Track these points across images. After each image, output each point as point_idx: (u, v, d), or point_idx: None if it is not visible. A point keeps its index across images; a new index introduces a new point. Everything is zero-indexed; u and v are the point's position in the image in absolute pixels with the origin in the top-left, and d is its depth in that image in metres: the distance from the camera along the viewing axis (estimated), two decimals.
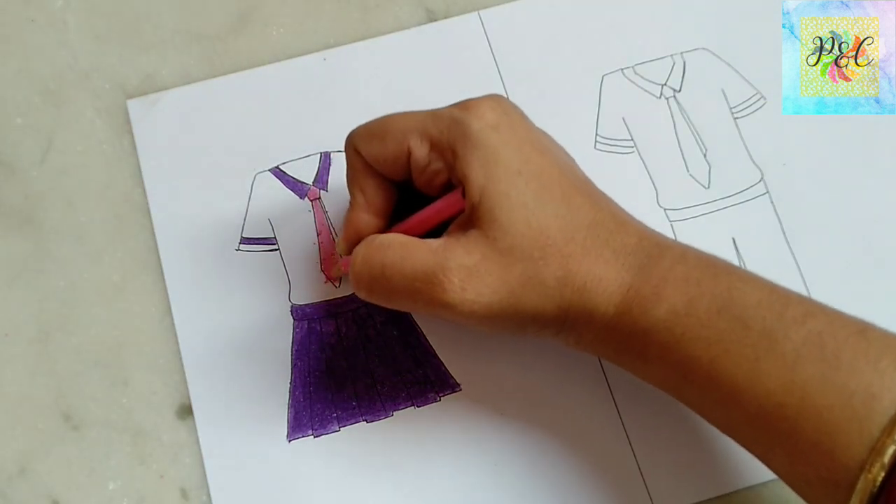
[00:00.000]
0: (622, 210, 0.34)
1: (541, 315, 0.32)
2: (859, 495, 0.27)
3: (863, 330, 0.29)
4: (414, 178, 0.34)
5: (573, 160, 0.35)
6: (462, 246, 0.32)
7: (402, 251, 0.32)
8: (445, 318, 0.33)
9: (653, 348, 0.31)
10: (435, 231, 0.34)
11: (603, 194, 0.34)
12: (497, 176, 0.32)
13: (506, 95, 0.42)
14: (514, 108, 0.34)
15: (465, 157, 0.32)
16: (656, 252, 0.32)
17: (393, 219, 0.36)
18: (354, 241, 0.35)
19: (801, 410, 0.28)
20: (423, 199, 0.35)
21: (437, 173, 0.33)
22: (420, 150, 0.33)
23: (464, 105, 0.33)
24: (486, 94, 0.34)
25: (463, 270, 0.31)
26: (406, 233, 0.34)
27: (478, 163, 0.32)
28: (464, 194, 0.32)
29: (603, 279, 0.32)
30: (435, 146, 0.33)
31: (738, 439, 0.32)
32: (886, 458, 0.27)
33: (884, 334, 0.29)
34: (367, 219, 0.35)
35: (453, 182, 0.33)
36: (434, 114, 0.33)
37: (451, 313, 0.32)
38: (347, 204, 0.41)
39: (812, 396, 0.28)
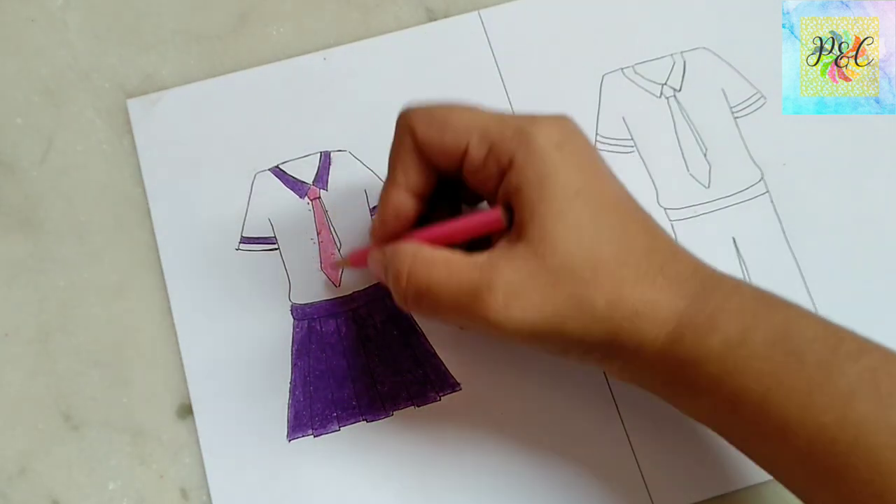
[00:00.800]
0: (675, 241, 0.33)
1: (587, 339, 0.31)
2: None
3: None
4: (465, 174, 0.33)
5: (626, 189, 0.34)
6: (509, 262, 0.31)
7: (448, 268, 0.32)
8: (491, 336, 0.32)
9: (703, 380, 0.30)
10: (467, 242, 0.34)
11: (656, 223, 0.33)
12: (553, 194, 0.31)
13: (506, 95, 0.42)
14: (579, 129, 0.33)
15: (523, 170, 0.31)
16: (711, 283, 0.31)
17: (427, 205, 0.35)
18: (390, 220, 0.34)
19: (853, 448, 0.28)
20: (457, 193, 0.34)
21: (490, 178, 0.32)
22: (478, 151, 0.32)
23: (531, 118, 0.32)
24: (555, 114, 0.33)
25: (508, 287, 0.31)
26: (438, 238, 0.33)
27: (535, 178, 0.31)
28: (508, 211, 0.32)
29: (656, 305, 0.31)
30: (494, 150, 0.32)
31: (783, 477, 0.31)
32: None
33: None
34: (405, 199, 0.34)
35: (502, 190, 0.32)
36: (501, 118, 0.33)
37: (496, 330, 0.31)
38: (347, 204, 0.41)
39: (866, 434, 0.28)
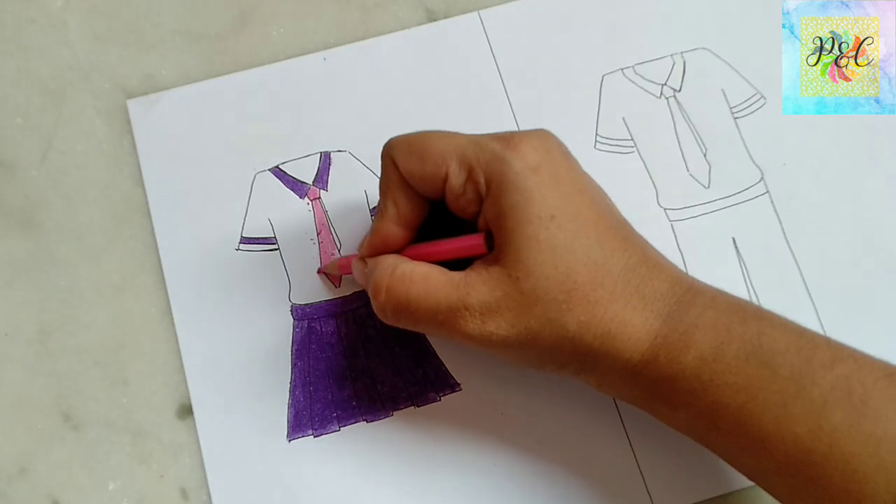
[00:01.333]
0: (656, 253, 0.34)
1: (558, 356, 0.32)
2: None
3: (891, 374, 0.29)
4: (447, 200, 0.34)
5: (610, 200, 0.35)
6: (484, 282, 0.32)
7: (425, 285, 0.33)
8: (466, 346, 0.33)
9: (680, 395, 0.31)
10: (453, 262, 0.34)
11: (638, 236, 0.34)
12: (528, 219, 0.31)
13: (505, 95, 0.42)
14: (559, 145, 0.33)
15: (499, 197, 0.32)
16: (687, 298, 0.32)
17: (420, 231, 0.36)
18: (379, 249, 0.35)
19: (828, 457, 0.28)
20: (450, 217, 0.35)
21: (470, 203, 0.33)
22: (457, 178, 0.33)
23: (508, 140, 0.32)
24: (533, 129, 0.33)
25: (483, 307, 0.32)
26: (421, 257, 0.34)
27: (510, 205, 0.31)
28: (488, 238, 0.33)
29: (629, 325, 0.31)
30: (472, 177, 0.32)
31: (765, 486, 0.32)
32: None
33: None
34: (395, 230, 0.35)
35: (482, 215, 0.33)
36: (477, 143, 0.33)
37: (472, 343, 0.32)
38: (347, 204, 0.41)
39: (840, 443, 0.28)
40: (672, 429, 0.33)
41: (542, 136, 0.33)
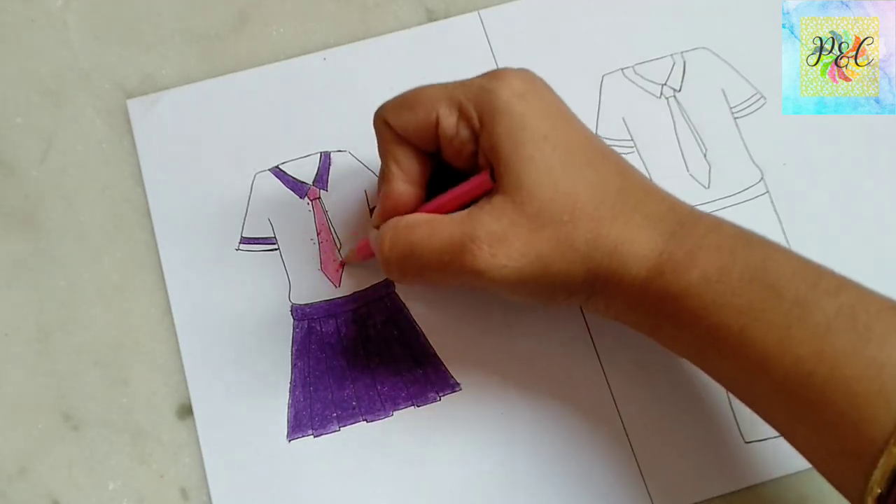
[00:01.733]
0: (649, 179, 0.34)
1: (571, 280, 0.32)
2: (882, 469, 0.27)
3: (894, 307, 0.29)
4: (443, 149, 0.34)
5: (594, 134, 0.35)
6: (488, 213, 0.32)
7: (429, 228, 0.33)
8: (478, 287, 0.33)
9: (683, 314, 0.31)
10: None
11: (628, 163, 0.34)
12: (523, 141, 0.32)
13: None
14: (541, 79, 0.34)
15: (492, 126, 0.32)
16: (689, 220, 0.32)
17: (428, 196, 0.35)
18: (391, 213, 0.35)
19: (829, 380, 0.28)
20: (456, 173, 0.35)
21: (465, 143, 0.33)
22: (448, 119, 0.33)
23: (492, 74, 0.33)
24: (516, 67, 0.34)
25: (492, 237, 0.31)
26: (433, 212, 0.34)
27: (504, 130, 0.32)
28: (492, 173, 0.32)
29: (634, 242, 0.31)
30: (463, 115, 0.33)
31: (762, 411, 0.32)
32: None
33: None
34: (405, 188, 0.34)
35: (480, 152, 0.33)
36: (463, 83, 0.33)
37: (483, 280, 0.32)
38: (347, 204, 0.41)
39: (841, 367, 0.28)
40: (677, 355, 0.34)
41: (524, 70, 0.34)
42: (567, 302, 0.34)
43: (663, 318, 0.32)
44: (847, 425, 0.28)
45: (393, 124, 0.34)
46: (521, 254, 0.31)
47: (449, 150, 0.34)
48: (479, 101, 0.33)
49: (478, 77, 0.34)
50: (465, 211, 0.32)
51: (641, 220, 0.32)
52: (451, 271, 0.32)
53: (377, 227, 0.35)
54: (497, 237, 0.31)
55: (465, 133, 0.33)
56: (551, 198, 0.31)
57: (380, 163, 0.36)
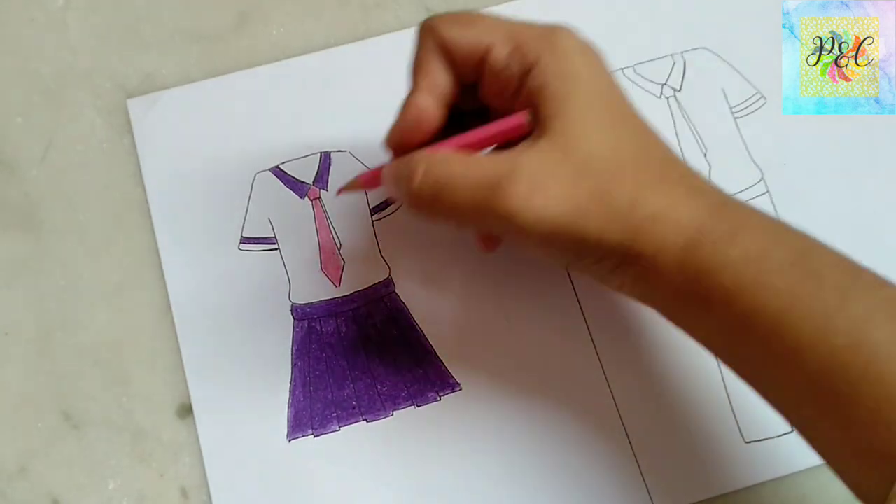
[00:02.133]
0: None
1: (604, 239, 0.30)
2: None
3: None
4: (484, 82, 0.33)
5: None
6: (532, 154, 0.30)
7: (465, 163, 0.31)
8: (507, 234, 0.32)
9: (718, 292, 0.29)
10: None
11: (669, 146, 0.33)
12: (578, 91, 0.31)
13: None
14: (595, 46, 0.33)
15: (549, 66, 0.31)
16: (732, 201, 0.31)
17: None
18: (411, 125, 0.32)
19: (865, 374, 0.27)
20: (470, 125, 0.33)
21: (512, 78, 0.32)
22: (501, 50, 0.32)
23: (553, 26, 0.32)
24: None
25: (531, 178, 0.30)
26: (459, 147, 0.32)
27: (561, 76, 0.31)
28: (532, 115, 0.31)
29: (676, 210, 0.30)
30: (518, 50, 0.31)
31: (789, 404, 0.30)
32: None
33: None
34: (429, 103, 0.32)
35: (525, 92, 0.31)
36: (524, 23, 0.32)
37: (514, 223, 0.30)
38: (347, 204, 0.41)
39: (878, 362, 0.27)
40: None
41: (582, 35, 0.33)
42: (594, 267, 0.32)
43: (694, 296, 0.30)
44: (878, 424, 0.27)
45: (443, 34, 0.32)
46: (558, 200, 0.30)
47: (492, 83, 0.32)
48: (540, 40, 0.31)
49: (537, 24, 0.32)
50: (506, 151, 0.31)
51: (686, 190, 0.31)
52: (484, 211, 0.30)
53: (394, 144, 0.33)
54: (537, 179, 0.30)
55: (515, 67, 0.31)
56: (599, 151, 0.30)
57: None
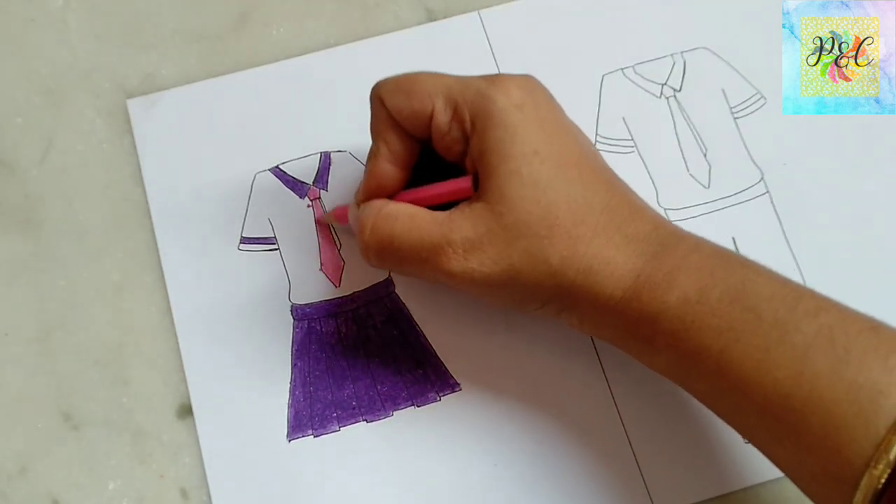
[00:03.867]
0: (638, 197, 0.34)
1: (540, 292, 0.32)
2: (863, 492, 0.27)
3: (874, 327, 0.29)
4: (434, 140, 0.34)
5: (592, 145, 0.35)
6: (467, 219, 0.32)
7: (410, 223, 0.33)
8: (450, 286, 0.33)
9: (661, 336, 0.31)
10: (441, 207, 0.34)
11: (620, 181, 0.34)
12: (512, 154, 0.32)
13: None
14: (542, 88, 0.34)
15: (484, 134, 0.32)
16: (671, 241, 0.32)
17: (413, 177, 0.36)
18: (374, 190, 0.35)
19: (808, 403, 0.28)
20: (443, 162, 0.35)
21: (455, 142, 0.33)
22: (443, 116, 0.33)
23: (492, 80, 0.33)
24: (516, 73, 0.34)
25: (467, 243, 0.32)
26: (413, 203, 0.34)
27: (494, 140, 0.32)
28: (475, 180, 0.33)
29: (611, 262, 0.31)
30: (457, 115, 0.33)
31: (744, 432, 0.32)
32: (892, 456, 0.26)
33: (895, 332, 0.29)
34: (389, 169, 0.35)
35: (468, 155, 0.33)
36: (462, 81, 0.33)
37: (454, 281, 0.33)
38: (347, 204, 0.41)
39: (820, 390, 0.28)
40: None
41: (527, 77, 0.34)
42: (539, 312, 0.34)
43: (640, 338, 0.32)
44: (827, 448, 0.28)
45: (388, 105, 0.34)
46: (493, 261, 0.32)
47: (440, 143, 0.34)
48: (475, 105, 0.32)
49: (478, 78, 0.33)
50: (447, 213, 0.33)
51: (622, 239, 0.32)
52: (426, 268, 0.33)
53: (358, 204, 0.36)
54: (472, 243, 0.32)
55: (456, 133, 0.33)
56: (531, 211, 0.31)
57: None
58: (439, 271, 0.33)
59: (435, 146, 0.35)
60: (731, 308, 0.30)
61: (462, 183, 0.33)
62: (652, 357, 0.33)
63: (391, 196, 0.35)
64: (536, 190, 0.31)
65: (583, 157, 0.33)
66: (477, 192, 0.33)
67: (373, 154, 0.35)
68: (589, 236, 0.32)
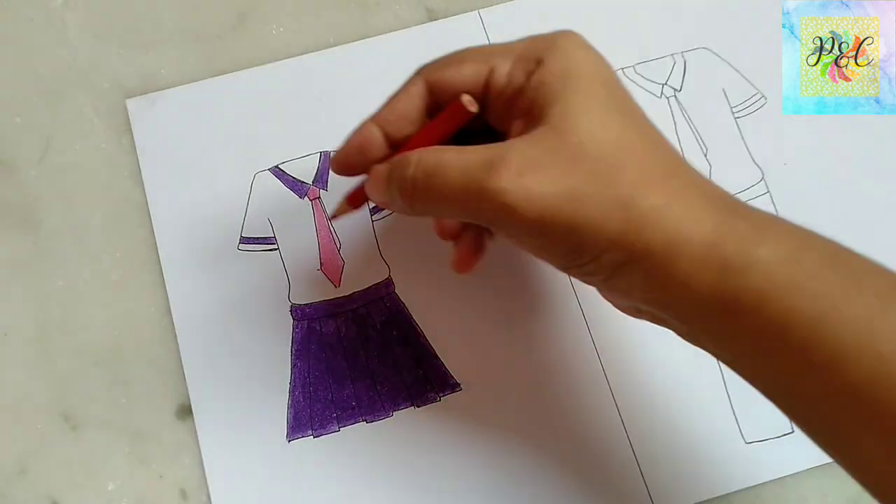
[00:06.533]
0: None
1: (604, 229, 0.27)
2: None
3: None
4: (489, 106, 0.31)
5: None
6: (527, 139, 0.28)
7: (458, 150, 0.29)
8: (500, 223, 0.29)
9: (747, 294, 0.26)
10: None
11: None
12: (579, 83, 0.28)
13: None
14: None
15: (550, 64, 0.29)
16: (749, 206, 0.28)
17: None
18: (354, 151, 0.32)
19: None
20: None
21: (518, 92, 0.30)
22: (503, 66, 0.30)
23: (553, 32, 0.31)
24: None
25: (524, 159, 0.27)
26: (416, 144, 0.32)
27: (560, 69, 0.29)
28: (469, 101, 0.30)
29: (689, 204, 0.27)
30: (520, 59, 0.30)
31: (821, 420, 0.27)
32: None
33: None
34: (377, 134, 0.32)
35: (528, 93, 0.30)
36: (518, 40, 0.31)
37: (505, 204, 0.27)
38: None
39: None
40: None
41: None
42: (592, 266, 0.28)
43: (718, 300, 0.27)
44: None
45: (433, 79, 0.31)
46: (552, 180, 0.27)
47: (497, 104, 0.31)
48: (538, 45, 0.30)
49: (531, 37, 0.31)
50: (499, 143, 0.29)
51: (696, 191, 0.28)
52: (475, 194, 0.28)
53: (337, 168, 0.33)
54: (530, 160, 0.27)
55: (519, 77, 0.30)
56: (599, 136, 0.27)
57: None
58: (490, 194, 0.27)
59: (489, 113, 0.31)
60: (829, 273, 0.26)
61: (456, 105, 0.30)
62: (728, 328, 0.27)
63: (367, 165, 0.32)
64: (604, 121, 0.28)
65: (642, 112, 0.30)
66: (533, 119, 0.29)
67: (367, 120, 0.33)
68: (662, 175, 0.28)
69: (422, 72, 0.32)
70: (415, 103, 0.32)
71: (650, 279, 0.28)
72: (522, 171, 0.27)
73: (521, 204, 0.27)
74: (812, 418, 0.28)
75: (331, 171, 0.41)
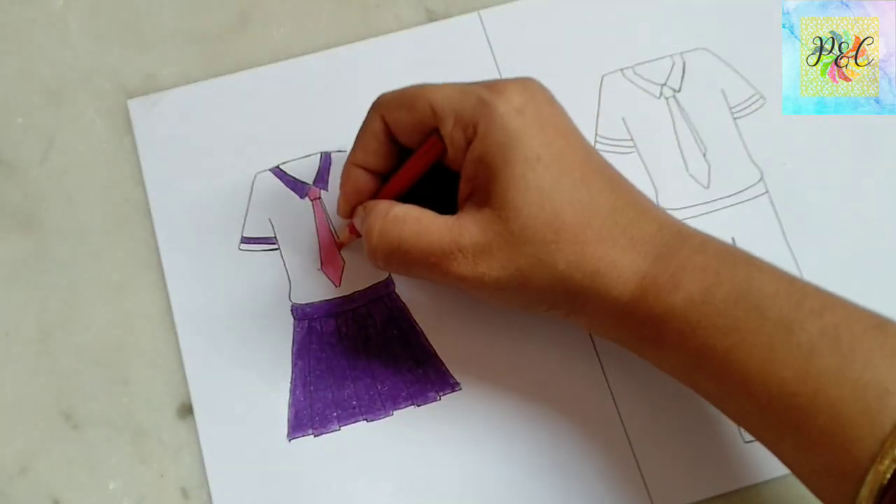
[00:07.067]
0: (643, 197, 0.34)
1: (549, 295, 0.33)
2: (868, 487, 0.27)
3: (880, 324, 0.29)
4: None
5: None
6: (476, 223, 0.33)
7: (418, 226, 0.33)
8: (459, 289, 0.34)
9: (668, 336, 0.31)
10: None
11: (624, 180, 0.34)
12: (514, 159, 0.32)
13: None
14: (543, 90, 0.34)
15: (486, 138, 0.32)
16: (675, 241, 0.32)
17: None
18: (352, 196, 0.36)
19: (813, 401, 0.28)
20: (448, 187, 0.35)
21: (459, 150, 0.34)
22: (446, 124, 0.33)
23: (492, 86, 0.33)
24: (518, 76, 0.34)
25: (476, 247, 0.32)
26: (396, 189, 0.36)
27: (496, 145, 0.32)
28: (439, 135, 0.34)
29: (618, 265, 0.32)
30: (459, 122, 0.33)
31: (750, 429, 0.32)
32: None
33: None
34: (362, 176, 0.36)
35: (468, 160, 0.33)
36: (464, 89, 0.34)
37: (464, 285, 0.33)
38: None
39: (825, 388, 0.28)
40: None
41: (527, 81, 0.34)
42: (547, 314, 0.35)
43: (647, 339, 0.33)
44: (832, 445, 0.28)
45: (388, 118, 0.35)
46: (502, 266, 0.32)
47: (448, 153, 0.34)
48: (476, 112, 0.33)
49: (478, 86, 0.34)
50: (453, 217, 0.33)
51: (627, 242, 0.32)
52: (436, 272, 0.33)
53: (342, 211, 0.37)
54: (481, 248, 0.32)
55: (460, 141, 0.33)
56: (537, 216, 0.32)
57: None
58: (449, 276, 0.33)
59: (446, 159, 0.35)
60: (736, 308, 0.30)
61: (428, 144, 0.34)
62: (660, 358, 0.33)
63: (366, 199, 0.36)
64: (541, 195, 0.32)
65: (586, 160, 0.33)
66: (480, 195, 0.33)
67: (350, 160, 0.36)
68: (595, 240, 0.32)
69: (378, 109, 0.35)
70: (380, 139, 0.35)
71: (592, 323, 0.34)
72: (477, 260, 0.32)
73: (477, 284, 0.33)
74: (740, 423, 0.33)
75: (331, 173, 0.41)
